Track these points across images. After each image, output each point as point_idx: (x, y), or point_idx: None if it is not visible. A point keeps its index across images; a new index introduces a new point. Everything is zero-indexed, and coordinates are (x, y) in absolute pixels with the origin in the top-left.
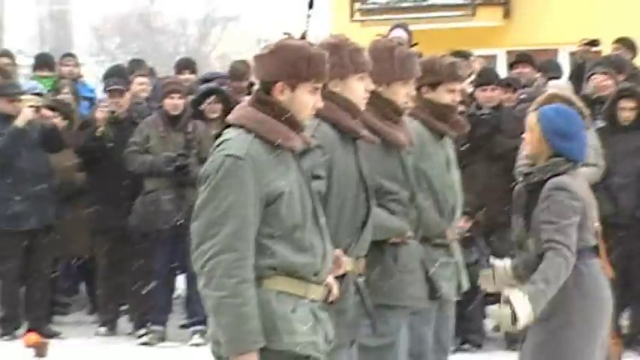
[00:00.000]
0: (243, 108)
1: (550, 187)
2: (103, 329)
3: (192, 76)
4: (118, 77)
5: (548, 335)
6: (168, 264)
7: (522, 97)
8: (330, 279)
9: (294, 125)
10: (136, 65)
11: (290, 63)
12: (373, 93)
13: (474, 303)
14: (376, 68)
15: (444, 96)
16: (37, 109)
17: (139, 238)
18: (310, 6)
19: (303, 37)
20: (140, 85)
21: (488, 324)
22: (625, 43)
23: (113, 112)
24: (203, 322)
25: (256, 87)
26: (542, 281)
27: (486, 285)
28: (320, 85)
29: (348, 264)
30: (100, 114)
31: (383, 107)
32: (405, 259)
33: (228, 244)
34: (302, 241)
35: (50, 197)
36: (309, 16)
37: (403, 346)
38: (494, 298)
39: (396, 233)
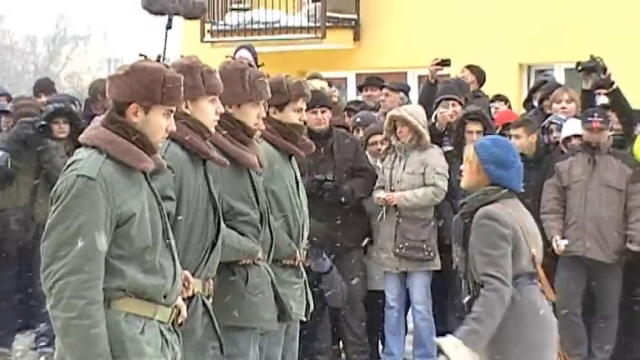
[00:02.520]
0: (96, 128)
1: (479, 215)
2: None
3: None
4: None
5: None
6: (15, 284)
7: (357, 120)
8: (179, 301)
9: (147, 147)
10: None
11: (145, 85)
12: (224, 114)
13: (321, 323)
14: (227, 90)
15: (292, 116)
16: None
17: None
18: (168, 27)
19: (158, 60)
20: None
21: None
22: (472, 69)
23: None
24: (50, 344)
25: (109, 107)
26: (475, 320)
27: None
28: (174, 109)
29: (196, 285)
30: None
31: (234, 128)
32: (255, 281)
33: (78, 265)
34: (152, 263)
35: None
36: (166, 37)
37: None
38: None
39: (247, 255)
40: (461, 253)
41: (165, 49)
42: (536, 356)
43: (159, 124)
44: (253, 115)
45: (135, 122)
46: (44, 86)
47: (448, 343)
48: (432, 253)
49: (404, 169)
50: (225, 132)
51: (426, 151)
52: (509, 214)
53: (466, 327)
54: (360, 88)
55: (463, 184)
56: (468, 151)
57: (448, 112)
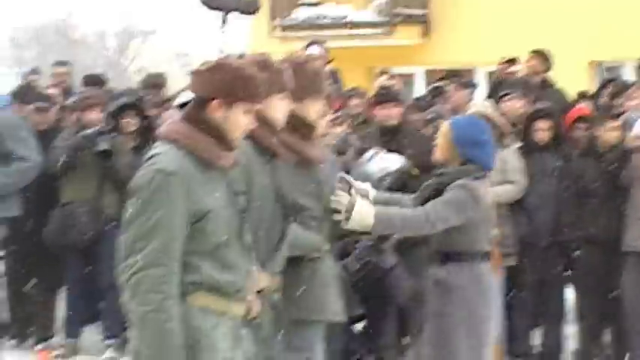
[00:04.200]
0: (176, 123)
1: (455, 184)
2: (12, 342)
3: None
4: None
5: (444, 326)
6: (82, 276)
7: (430, 116)
8: (252, 296)
9: (227, 144)
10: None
11: (228, 82)
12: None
13: (387, 318)
14: None
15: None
16: None
17: (53, 249)
18: (224, 22)
19: (241, 57)
20: (59, 77)
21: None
22: (539, 55)
23: None
24: (117, 335)
25: (185, 103)
26: (400, 219)
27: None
28: (255, 107)
29: (264, 280)
30: None
31: (296, 124)
32: (322, 274)
33: (155, 259)
34: (226, 259)
35: None
36: (222, 32)
37: (319, 359)
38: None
39: (314, 248)
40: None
41: (221, 44)
42: (482, 328)
43: (239, 121)
44: (314, 111)
45: (216, 118)
46: (94, 82)
47: (364, 204)
48: (510, 249)
49: None
50: (288, 128)
51: (505, 148)
52: (482, 192)
53: (387, 213)
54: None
55: (437, 156)
56: (443, 126)
57: (510, 104)
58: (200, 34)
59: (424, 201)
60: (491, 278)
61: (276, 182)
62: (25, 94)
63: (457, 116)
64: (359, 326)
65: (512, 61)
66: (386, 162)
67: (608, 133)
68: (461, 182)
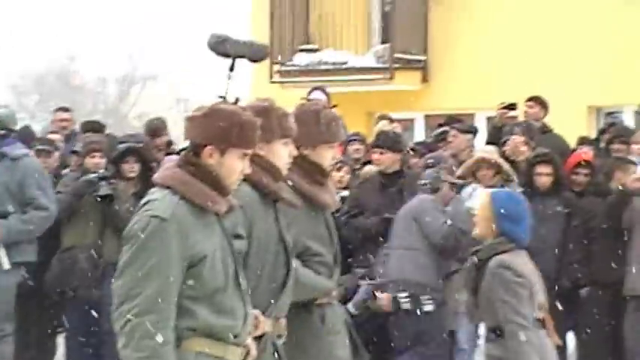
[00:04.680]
0: (171, 169)
1: (494, 264)
2: None
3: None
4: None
5: None
6: (83, 323)
7: (429, 162)
8: (249, 340)
9: (221, 189)
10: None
11: (221, 128)
12: (300, 155)
13: None
14: (302, 131)
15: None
16: None
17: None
18: (231, 69)
19: (236, 102)
20: (61, 122)
21: None
22: (538, 101)
23: None
24: None
25: (184, 148)
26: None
27: None
28: (249, 152)
29: (266, 325)
30: None
31: (309, 170)
32: (332, 320)
33: (150, 305)
34: (223, 304)
35: None
36: (229, 78)
37: None
38: None
39: (323, 293)
40: (470, 299)
41: (227, 91)
42: None
43: (234, 166)
44: (328, 157)
45: (210, 164)
46: (92, 128)
47: None
48: None
49: None
50: (300, 173)
51: None
52: (522, 264)
53: None
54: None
55: (477, 230)
56: (484, 199)
57: (514, 145)
58: (201, 79)
59: (474, 284)
60: (549, 343)
61: (282, 226)
62: (25, 137)
63: (497, 190)
64: None
65: (511, 106)
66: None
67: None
68: (496, 264)
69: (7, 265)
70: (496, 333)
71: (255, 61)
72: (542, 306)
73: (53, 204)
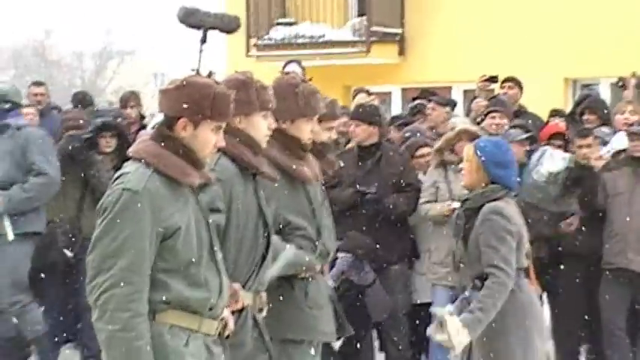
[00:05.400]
0: (144, 142)
1: (486, 211)
2: None
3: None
4: None
5: (490, 355)
6: (61, 297)
7: (407, 134)
8: (226, 313)
9: (194, 162)
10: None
11: (194, 100)
12: (278, 130)
13: (365, 337)
14: (280, 105)
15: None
16: None
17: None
18: (203, 41)
19: (209, 75)
20: (27, 116)
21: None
22: (515, 81)
23: None
24: (96, 355)
25: (154, 121)
26: (479, 310)
27: (438, 335)
28: (223, 124)
29: (246, 298)
30: None
31: (288, 143)
32: (315, 295)
33: (122, 278)
34: (197, 277)
35: None
36: (201, 51)
37: None
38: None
39: (306, 268)
40: (461, 247)
41: (200, 62)
42: (530, 342)
43: (207, 139)
44: (307, 130)
45: (183, 137)
46: (81, 99)
47: (452, 324)
48: None
49: None
50: (280, 147)
51: None
52: (513, 211)
53: (471, 315)
54: (413, 100)
55: (465, 181)
56: (468, 151)
57: (495, 121)
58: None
59: (464, 233)
60: (533, 292)
61: (261, 199)
62: None
63: (481, 139)
64: (337, 344)
65: (493, 79)
66: (556, 159)
67: (580, 150)
68: (488, 210)
69: (11, 236)
70: (482, 280)
71: (227, 32)
72: (528, 255)
73: (54, 169)
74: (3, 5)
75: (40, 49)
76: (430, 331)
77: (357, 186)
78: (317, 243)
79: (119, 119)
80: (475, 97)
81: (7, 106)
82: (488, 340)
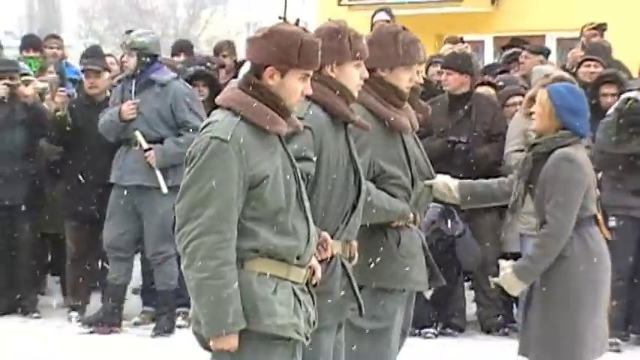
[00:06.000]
0: (232, 90)
1: (558, 157)
2: (74, 314)
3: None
4: (94, 58)
5: (556, 304)
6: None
7: (500, 83)
8: (314, 262)
9: (282, 110)
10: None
11: (281, 48)
12: (377, 78)
13: (456, 286)
14: (379, 53)
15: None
16: (12, 87)
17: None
18: None
19: (297, 23)
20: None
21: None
22: (600, 28)
23: (69, 96)
24: (186, 304)
25: (245, 69)
26: (530, 260)
27: (494, 279)
28: (310, 73)
29: (335, 247)
30: (59, 98)
31: (386, 92)
32: (407, 244)
33: (211, 226)
34: (285, 225)
35: (28, 176)
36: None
37: (397, 328)
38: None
39: (399, 216)
40: (522, 190)
41: (285, 10)
42: (599, 292)
43: (294, 87)
44: (405, 79)
45: (271, 85)
46: (183, 47)
47: (504, 267)
48: None
49: None
50: (377, 95)
51: None
52: (584, 158)
53: (522, 262)
54: (503, 49)
55: (536, 126)
56: (541, 95)
57: (590, 70)
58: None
59: (528, 176)
60: (603, 242)
61: (352, 148)
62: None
63: (555, 84)
64: (428, 293)
65: (600, 27)
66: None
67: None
68: (558, 157)
69: (165, 189)
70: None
71: None
72: (595, 201)
73: None
74: None
75: None
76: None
77: (448, 135)
78: (411, 192)
79: (213, 65)
80: (583, 47)
81: (148, 59)
82: (549, 289)
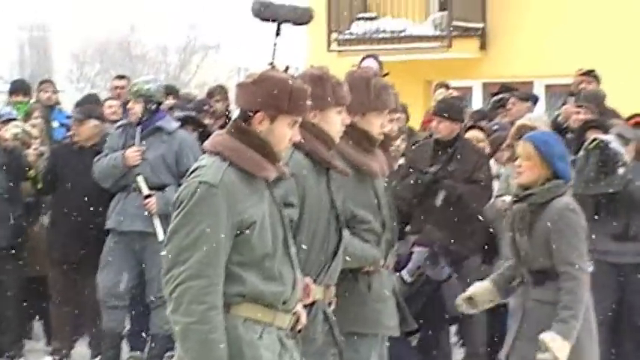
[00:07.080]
0: (221, 135)
1: (561, 208)
2: (53, 358)
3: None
4: (82, 106)
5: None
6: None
7: (495, 127)
8: (299, 307)
9: (270, 156)
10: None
11: (271, 95)
12: (349, 123)
13: (442, 332)
14: (352, 98)
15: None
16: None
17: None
18: (277, 34)
19: (286, 70)
20: (110, 109)
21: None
22: (592, 75)
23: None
24: (172, 348)
25: (235, 115)
26: (572, 318)
27: (467, 308)
28: (299, 119)
29: (317, 292)
30: (32, 157)
31: (357, 137)
32: (378, 288)
33: (198, 271)
34: (271, 270)
35: (10, 219)
36: (275, 44)
37: None
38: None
39: (370, 262)
40: (524, 242)
41: (274, 56)
42: (593, 333)
43: (283, 133)
44: (377, 124)
45: (260, 130)
46: (169, 92)
47: (553, 343)
48: None
49: None
50: (349, 141)
51: None
52: (578, 206)
53: (566, 324)
54: (493, 95)
55: (523, 179)
56: (524, 147)
57: (578, 117)
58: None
59: (529, 228)
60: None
61: (334, 194)
62: (90, 103)
63: (532, 133)
64: (415, 339)
65: (589, 73)
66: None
67: None
68: (561, 207)
69: (161, 237)
70: (548, 276)
71: (300, 24)
72: None
73: None
74: (89, 0)
75: (125, 43)
76: (459, 306)
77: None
78: (381, 237)
79: (211, 108)
80: (571, 94)
81: (154, 107)
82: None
